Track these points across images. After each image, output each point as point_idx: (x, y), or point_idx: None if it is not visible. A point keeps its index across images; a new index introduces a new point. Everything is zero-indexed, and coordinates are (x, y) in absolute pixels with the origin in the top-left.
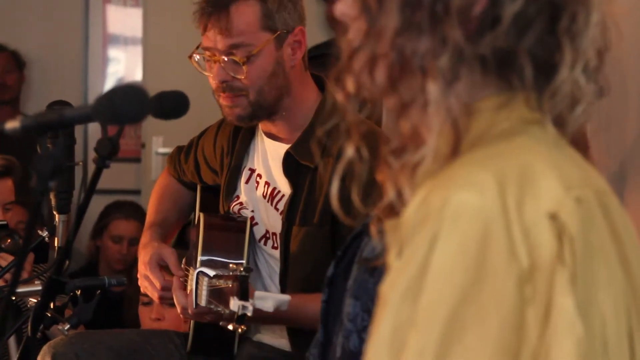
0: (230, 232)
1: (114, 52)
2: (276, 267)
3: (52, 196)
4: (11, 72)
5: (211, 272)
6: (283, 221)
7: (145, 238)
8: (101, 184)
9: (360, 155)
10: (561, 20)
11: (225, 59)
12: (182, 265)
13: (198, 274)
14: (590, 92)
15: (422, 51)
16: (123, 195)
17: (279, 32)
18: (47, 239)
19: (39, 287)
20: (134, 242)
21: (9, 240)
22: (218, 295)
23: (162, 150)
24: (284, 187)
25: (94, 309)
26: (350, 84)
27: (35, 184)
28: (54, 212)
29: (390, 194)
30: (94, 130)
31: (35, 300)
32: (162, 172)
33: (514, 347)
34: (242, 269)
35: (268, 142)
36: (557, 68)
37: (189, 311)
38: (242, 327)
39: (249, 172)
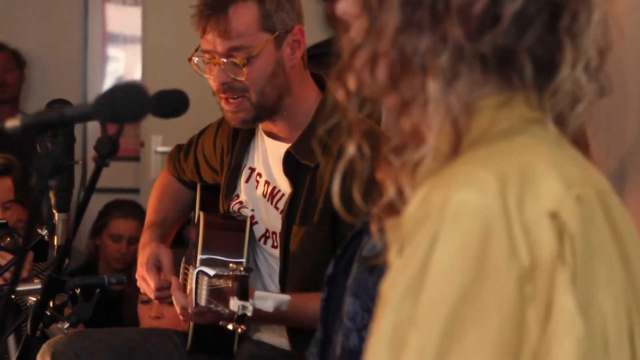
0: (230, 231)
1: (113, 51)
2: (276, 266)
3: (51, 195)
4: (11, 71)
5: (211, 272)
6: (283, 220)
7: (144, 238)
8: (100, 183)
9: (362, 153)
10: (562, 19)
11: (225, 61)
12: (182, 264)
13: (198, 273)
14: (592, 91)
15: (423, 49)
16: (122, 194)
17: (277, 33)
18: (46, 237)
19: (39, 286)
20: (133, 241)
21: (8, 239)
22: (218, 295)
23: (161, 149)
24: (284, 186)
25: (93, 307)
26: (351, 82)
27: (36, 182)
28: (54, 211)
29: (390, 192)
30: (93, 129)
31: (34, 299)
32: (161, 171)
33: (515, 346)
34: (242, 269)
35: (268, 141)
36: (558, 67)
37: (189, 310)
38: (242, 327)
39: (249, 171)
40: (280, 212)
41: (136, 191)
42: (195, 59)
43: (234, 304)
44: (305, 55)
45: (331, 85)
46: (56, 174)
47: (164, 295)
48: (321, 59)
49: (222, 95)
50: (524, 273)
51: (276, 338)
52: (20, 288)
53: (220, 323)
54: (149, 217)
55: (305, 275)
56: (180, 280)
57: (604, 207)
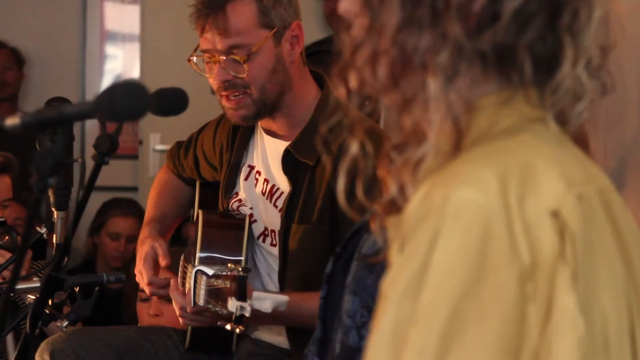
0: (229, 229)
1: (111, 49)
2: (274, 264)
3: (50, 193)
4: (11, 69)
5: (210, 271)
6: (282, 219)
7: (143, 234)
8: (99, 181)
9: (365, 151)
10: (562, 17)
11: (225, 58)
12: (181, 262)
13: (196, 272)
14: (593, 90)
15: (423, 47)
16: (120, 192)
17: (276, 29)
18: (45, 235)
19: (38, 284)
20: (132, 239)
21: (7, 237)
22: (216, 295)
23: (159, 147)
24: (283, 184)
25: (92, 305)
26: (352, 80)
27: (35, 180)
28: (53, 209)
29: (392, 190)
30: (92, 127)
31: (33, 297)
32: (161, 167)
33: (515, 345)
34: (240, 269)
35: (267, 139)
36: (559, 64)
37: (188, 309)
38: (240, 327)
39: (249, 169)
40: (279, 211)
41: (134, 189)
42: (195, 59)
43: (232, 304)
44: (304, 51)
45: (332, 83)
46: (56, 172)
47: (156, 290)
48: (320, 57)
49: (223, 93)
50: (525, 271)
51: (275, 336)
52: (19, 286)
53: (219, 323)
54: (148, 212)
55: (304, 273)
56: (179, 278)
57: (605, 205)
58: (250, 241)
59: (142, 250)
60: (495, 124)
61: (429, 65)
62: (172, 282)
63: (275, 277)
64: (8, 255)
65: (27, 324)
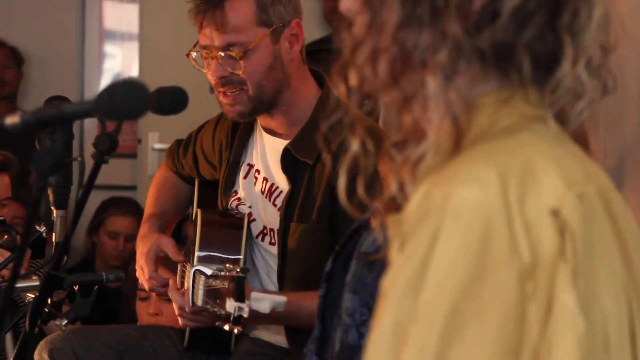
0: (228, 228)
1: (110, 48)
2: (273, 263)
3: (50, 192)
4: (10, 68)
5: (208, 271)
6: (281, 218)
7: (143, 230)
8: (97, 180)
9: (365, 148)
10: (562, 16)
11: (222, 54)
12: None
13: (195, 272)
14: (593, 89)
15: (423, 45)
16: (119, 191)
17: (274, 27)
18: (44, 234)
19: (37, 283)
20: (131, 238)
21: (6, 236)
22: (214, 295)
23: (158, 146)
24: (282, 183)
25: (91, 304)
26: (353, 78)
27: (35, 179)
28: (52, 208)
29: (392, 188)
30: (90, 126)
31: (32, 296)
32: (161, 165)
33: (515, 343)
34: (238, 270)
35: (267, 137)
36: (559, 63)
37: (186, 309)
38: (238, 328)
39: (248, 167)
40: (278, 209)
41: (133, 188)
42: (194, 54)
43: (230, 305)
44: (304, 49)
45: (333, 81)
46: (56, 171)
47: (156, 288)
48: (319, 56)
49: (220, 89)
50: (525, 270)
51: (273, 336)
52: (18, 285)
53: (217, 324)
54: (147, 209)
55: (303, 272)
56: (178, 277)
57: (605, 204)
58: (249, 240)
59: (144, 245)
60: (495, 122)
61: (428, 64)
62: (171, 281)
63: (274, 276)
64: (7, 254)
65: (27, 322)
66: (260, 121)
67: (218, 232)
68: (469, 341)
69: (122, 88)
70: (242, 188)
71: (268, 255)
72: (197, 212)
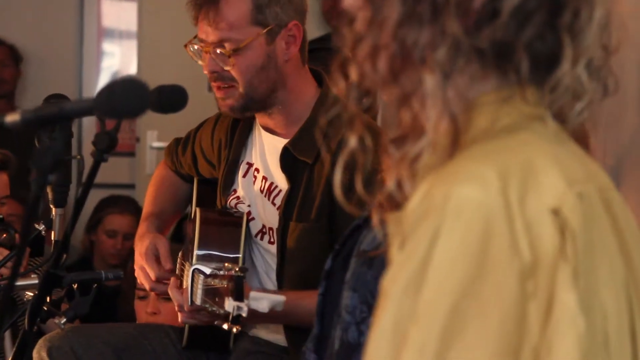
0: (227, 227)
1: (108, 46)
2: (272, 262)
3: (49, 190)
4: (8, 66)
5: (207, 270)
6: (280, 216)
7: (142, 229)
8: (96, 178)
9: (364, 144)
10: (563, 16)
11: (215, 50)
12: (179, 260)
13: (193, 271)
14: (593, 90)
15: (423, 42)
16: (117, 189)
17: (270, 27)
18: (43, 232)
19: (36, 281)
20: (129, 236)
21: (4, 235)
22: (213, 294)
23: (156, 144)
24: (282, 182)
25: (90, 303)
26: (353, 73)
27: (35, 177)
28: (51, 206)
29: (390, 185)
30: (89, 124)
31: (31, 294)
32: (159, 164)
33: (515, 343)
34: (237, 269)
35: (266, 135)
36: (559, 63)
37: (185, 308)
38: (237, 327)
39: (247, 166)
40: (278, 208)
41: (131, 187)
42: (192, 47)
43: (229, 304)
44: (304, 50)
45: (332, 77)
46: (56, 169)
47: (161, 287)
48: (317, 55)
49: (214, 84)
50: (526, 269)
51: (272, 334)
52: (17, 283)
53: (215, 323)
54: (146, 208)
55: (302, 271)
56: (177, 274)
57: (606, 203)
58: (248, 239)
59: (142, 245)
60: (495, 122)
61: (427, 61)
62: (172, 279)
63: (273, 275)
64: (6, 252)
65: (26, 320)
66: (259, 120)
67: (217, 231)
68: (469, 341)
69: (122, 86)
70: (241, 187)
71: (267, 254)
72: (196, 211)
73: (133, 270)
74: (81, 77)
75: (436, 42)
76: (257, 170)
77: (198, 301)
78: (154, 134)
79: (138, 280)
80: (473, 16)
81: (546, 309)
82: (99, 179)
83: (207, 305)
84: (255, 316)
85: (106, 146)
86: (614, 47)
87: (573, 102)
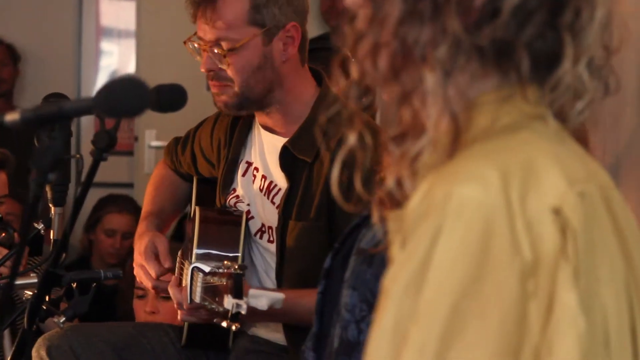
0: (226, 225)
1: (107, 45)
2: (271, 261)
3: (48, 189)
4: (6, 65)
5: (206, 268)
6: (279, 215)
7: (141, 228)
8: (94, 177)
9: (363, 142)
10: (564, 15)
11: (212, 48)
12: (178, 259)
13: (193, 269)
14: (594, 89)
15: (424, 40)
16: (116, 188)
17: (268, 28)
18: (42, 231)
19: (35, 280)
20: (127, 235)
21: (3, 234)
22: (212, 292)
23: (155, 143)
24: (281, 180)
25: (89, 302)
26: (354, 71)
27: (35, 176)
28: (50, 205)
29: (389, 182)
30: (87, 123)
31: (30, 293)
32: (159, 163)
33: (516, 342)
34: (236, 267)
35: (265, 134)
36: (560, 62)
37: (184, 306)
38: (236, 324)
39: (246, 165)
40: (277, 207)
41: (130, 186)
42: (191, 44)
43: (228, 302)
44: (304, 51)
45: (333, 74)
46: (56, 168)
47: (161, 285)
48: (316, 54)
49: (210, 82)
50: (526, 269)
51: (271, 333)
52: (16, 282)
53: (215, 320)
54: (145, 207)
55: (301, 270)
56: (176, 274)
57: (606, 202)
58: (247, 238)
59: (141, 244)
60: (496, 121)
61: (428, 59)
62: (173, 277)
63: (273, 273)
64: (4, 251)
65: (25, 319)
66: (258, 118)
67: (216, 230)
68: (470, 340)
69: (122, 85)
70: (240, 186)
71: (266, 253)
72: (195, 210)
73: (132, 270)
74: (79, 76)
75: (437, 40)
76: (256, 169)
77: (197, 299)
78: (153, 133)
79: (138, 279)
80: (474, 14)
81: (547, 308)
82: (97, 178)
83: (206, 303)
84: (255, 314)
85: (106, 145)
86: (615, 46)
87: (574, 101)
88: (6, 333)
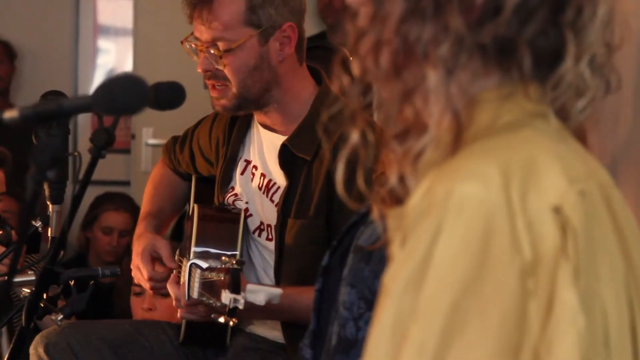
0: (224, 223)
1: (104, 43)
2: (270, 259)
3: (45, 187)
4: (3, 63)
5: (204, 264)
6: (278, 213)
7: (139, 229)
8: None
9: (365, 139)
10: (566, 13)
11: (209, 49)
12: (176, 257)
13: (191, 265)
14: (596, 86)
15: (426, 38)
16: (113, 186)
17: (264, 28)
18: (40, 229)
19: (33, 277)
20: (124, 233)
21: (0, 232)
22: (210, 287)
23: (152, 141)
24: (280, 179)
25: (87, 299)
26: (355, 68)
27: (33, 174)
28: (48, 203)
29: (392, 180)
30: (84, 121)
31: (28, 291)
32: (158, 162)
33: (516, 341)
34: (234, 262)
35: (264, 132)
36: (562, 59)
37: (182, 302)
38: (234, 320)
39: (245, 163)
40: (276, 205)
41: (127, 183)
42: (188, 44)
43: (226, 297)
44: (301, 50)
45: (334, 72)
46: (54, 166)
47: (157, 285)
48: (313, 53)
49: (208, 82)
50: (527, 267)
51: (269, 331)
52: (14, 279)
53: (212, 316)
54: (144, 207)
55: (300, 268)
56: (174, 271)
57: (606, 201)
58: (246, 235)
59: (140, 245)
60: (496, 118)
61: (430, 57)
62: (172, 275)
63: (271, 271)
64: (2, 249)
65: (23, 317)
66: (257, 117)
67: (215, 227)
68: (470, 338)
69: (121, 83)
70: (239, 184)
71: (265, 251)
72: (194, 208)
73: (129, 267)
74: (77, 74)
75: (439, 37)
76: (255, 167)
77: (195, 294)
78: (150, 131)
79: (135, 280)
80: (476, 12)
81: (547, 307)
82: (94, 175)
83: (204, 299)
84: (252, 310)
85: (104, 143)
86: (616, 44)
87: (575, 99)
88: (4, 331)
